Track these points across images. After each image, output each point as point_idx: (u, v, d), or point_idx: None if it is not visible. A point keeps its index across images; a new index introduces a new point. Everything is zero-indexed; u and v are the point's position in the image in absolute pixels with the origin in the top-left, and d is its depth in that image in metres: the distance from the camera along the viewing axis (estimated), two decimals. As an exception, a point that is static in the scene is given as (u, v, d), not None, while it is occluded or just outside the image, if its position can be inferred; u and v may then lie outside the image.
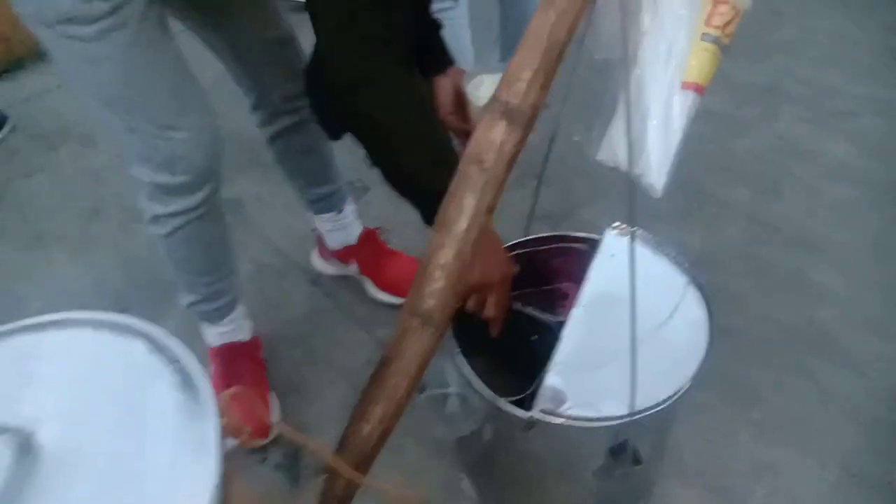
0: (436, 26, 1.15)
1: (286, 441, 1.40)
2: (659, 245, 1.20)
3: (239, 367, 1.38)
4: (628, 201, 0.80)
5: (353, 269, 1.63)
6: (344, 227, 1.57)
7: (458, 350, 1.09)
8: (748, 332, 1.53)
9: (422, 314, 0.85)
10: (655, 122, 0.74)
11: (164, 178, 1.08)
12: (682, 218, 1.79)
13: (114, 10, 0.91)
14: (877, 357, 1.47)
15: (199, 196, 1.12)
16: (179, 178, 1.08)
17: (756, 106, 2.17)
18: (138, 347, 0.79)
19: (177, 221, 1.15)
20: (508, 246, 1.24)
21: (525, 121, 0.75)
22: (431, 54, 1.14)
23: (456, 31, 1.88)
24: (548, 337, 1.14)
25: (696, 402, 1.39)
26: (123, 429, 0.70)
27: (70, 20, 0.90)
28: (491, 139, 0.77)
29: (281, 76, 1.26)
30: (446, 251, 0.82)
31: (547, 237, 1.26)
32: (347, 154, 1.98)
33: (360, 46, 0.85)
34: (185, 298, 1.31)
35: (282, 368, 1.51)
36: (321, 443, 1.28)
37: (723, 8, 0.74)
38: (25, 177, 2.01)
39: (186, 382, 0.76)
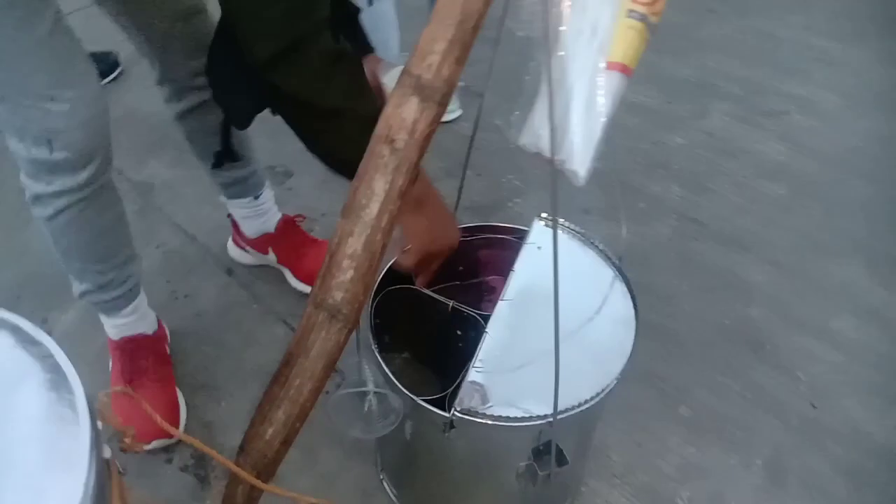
0: (352, 8, 1.07)
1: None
2: (587, 237, 1.15)
3: (141, 362, 1.28)
4: (551, 190, 0.74)
5: (270, 258, 1.54)
6: (261, 214, 1.48)
7: (376, 345, 1.03)
8: (678, 331, 1.51)
9: (329, 308, 0.77)
10: (578, 105, 0.68)
11: (42, 154, 0.96)
12: (612, 213, 1.76)
13: None
14: (806, 356, 1.46)
15: (83, 175, 1.01)
16: (58, 155, 0.97)
17: (688, 102, 2.16)
18: (4, 341, 0.71)
19: (60, 202, 1.04)
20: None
21: (439, 97, 0.68)
22: (346, 39, 1.06)
23: (381, 17, 1.78)
24: (472, 332, 1.08)
25: (625, 400, 1.36)
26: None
27: None
28: (402, 117, 0.69)
29: (188, 49, 1.17)
30: (355, 239, 0.75)
31: (473, 227, 1.19)
32: (266, 138, 1.88)
33: (281, 13, 0.78)
34: (77, 287, 1.19)
35: (190, 364, 1.41)
36: (219, 447, 1.20)
37: (653, -18, 0.68)
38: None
39: (58, 382, 0.68)
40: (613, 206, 1.77)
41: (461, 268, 1.23)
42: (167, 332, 1.42)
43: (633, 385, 1.39)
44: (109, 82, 2.04)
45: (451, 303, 1.10)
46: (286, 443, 0.84)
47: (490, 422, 0.91)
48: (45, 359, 0.71)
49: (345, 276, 0.76)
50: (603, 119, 0.69)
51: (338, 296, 0.76)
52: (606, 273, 1.11)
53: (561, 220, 1.16)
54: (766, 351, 1.47)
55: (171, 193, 1.76)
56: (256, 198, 1.44)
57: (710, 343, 1.49)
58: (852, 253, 1.69)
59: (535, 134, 0.75)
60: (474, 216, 1.73)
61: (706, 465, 1.28)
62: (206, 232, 1.67)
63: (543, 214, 1.17)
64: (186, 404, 1.34)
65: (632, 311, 1.05)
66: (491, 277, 1.25)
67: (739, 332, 1.51)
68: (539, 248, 1.13)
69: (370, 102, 0.86)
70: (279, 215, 1.51)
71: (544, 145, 0.73)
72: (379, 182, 0.72)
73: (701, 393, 1.39)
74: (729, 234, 1.73)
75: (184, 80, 1.21)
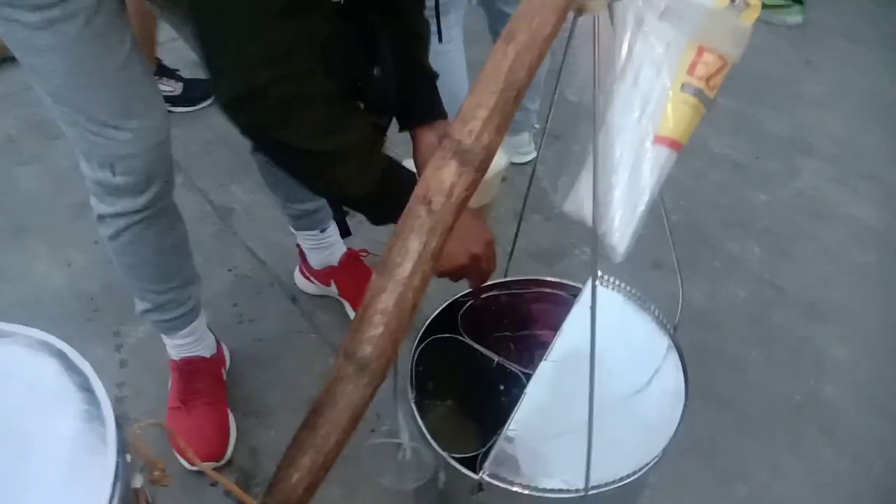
0: (429, 75, 1.08)
1: (238, 465, 1.33)
2: (643, 302, 1.11)
3: (197, 385, 1.32)
4: (591, 262, 0.72)
5: (332, 290, 1.57)
6: (326, 247, 1.50)
7: (414, 395, 1.02)
8: (744, 401, 1.43)
9: (358, 361, 0.78)
10: (623, 178, 0.66)
11: (105, 177, 1.03)
12: (687, 270, 1.70)
13: (61, 0, 0.86)
14: (881, 443, 1.36)
15: (142, 199, 1.06)
16: (120, 179, 1.02)
17: (779, 159, 2.07)
18: (49, 367, 0.74)
19: (121, 223, 1.09)
20: (486, 286, 1.16)
21: (477, 163, 0.68)
22: (418, 103, 1.07)
23: (450, 62, 1.74)
24: (515, 389, 1.06)
25: (678, 473, 1.30)
26: (8, 454, 0.65)
27: (11, 4, 0.85)
28: (441, 180, 0.69)
29: None
30: (387, 296, 0.74)
31: (526, 280, 1.18)
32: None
33: (248, 54, 0.77)
34: (139, 305, 1.25)
35: (245, 388, 1.45)
36: (264, 474, 1.21)
37: (708, 57, 0.65)
38: (20, 165, 1.98)
39: (92, 413, 0.71)
40: (687, 263, 1.72)
41: (511, 320, 1.21)
42: (226, 354, 1.46)
43: (688, 457, 1.32)
44: (205, 107, 2.14)
45: (495, 358, 1.09)
46: (310, 490, 0.84)
47: (518, 489, 0.88)
48: (85, 390, 0.73)
49: (375, 331, 0.76)
50: (647, 196, 0.66)
51: (367, 349, 0.77)
52: (660, 342, 1.06)
53: (617, 282, 1.13)
54: (837, 433, 1.38)
55: (249, 218, 1.82)
56: (323, 231, 1.47)
57: (776, 419, 1.40)
58: (946, 334, 1.57)
59: (579, 202, 0.74)
60: (538, 262, 1.71)
61: (759, 551, 1.20)
62: (276, 259, 1.71)
63: (600, 274, 1.13)
64: (237, 428, 1.37)
65: (682, 385, 1.00)
66: (542, 332, 1.22)
67: (811, 411, 1.42)
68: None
69: (342, 139, 0.85)
70: (344, 249, 1.53)
71: (587, 215, 0.71)
72: (413, 242, 0.72)
73: (761, 471, 1.31)
74: (808, 303, 1.64)
75: None
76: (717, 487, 1.29)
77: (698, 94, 0.66)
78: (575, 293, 1.14)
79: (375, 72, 0.99)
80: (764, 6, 2.42)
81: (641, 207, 0.67)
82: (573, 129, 0.74)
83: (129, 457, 0.75)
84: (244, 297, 1.64)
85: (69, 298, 1.63)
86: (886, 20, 2.76)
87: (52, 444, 0.66)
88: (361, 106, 0.99)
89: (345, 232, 1.44)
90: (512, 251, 1.16)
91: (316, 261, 1.53)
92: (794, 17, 2.64)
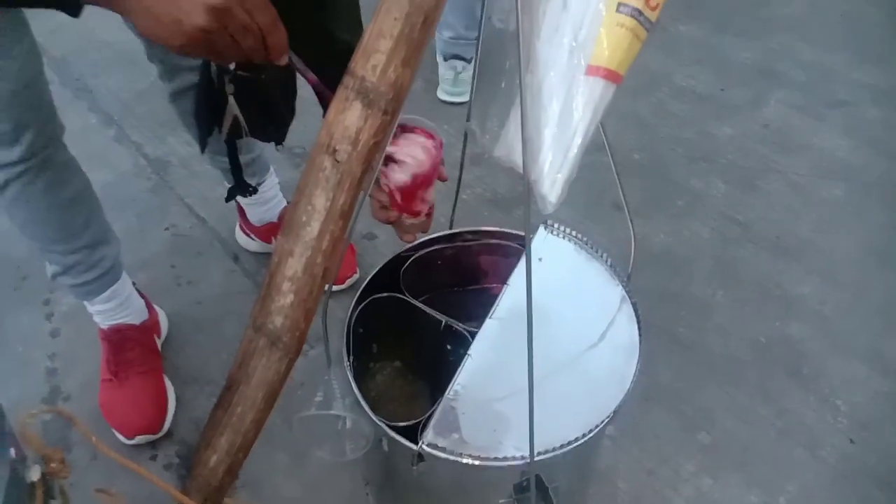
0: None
1: (180, 437, 1.26)
2: (595, 250, 1.03)
3: (127, 354, 1.23)
4: (524, 212, 0.64)
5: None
6: (264, 202, 1.41)
7: (351, 363, 0.94)
8: (709, 346, 1.38)
9: (269, 334, 0.69)
10: (553, 117, 0.57)
11: None
12: (647, 210, 1.63)
13: None
14: (850, 384, 1.32)
15: (17, 150, 0.97)
16: None
17: (744, 88, 1.98)
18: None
19: (0, 177, 1.00)
20: (426, 241, 1.08)
21: (384, 103, 0.58)
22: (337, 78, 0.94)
23: None
24: (462, 349, 0.99)
25: (640, 422, 1.25)
26: None
27: None
28: (345, 126, 0.60)
29: None
30: (295, 260, 0.66)
31: (472, 232, 1.09)
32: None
33: None
34: (48, 269, 1.16)
35: (184, 355, 1.37)
36: (188, 461, 1.14)
37: (649, -30, 0.56)
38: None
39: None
40: (649, 201, 1.65)
41: (458, 274, 1.13)
42: (162, 320, 1.37)
43: (650, 405, 1.28)
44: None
45: (439, 317, 1.01)
46: (230, 472, 0.77)
47: (459, 459, 0.82)
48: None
49: (285, 300, 0.67)
50: (579, 137, 0.58)
51: (277, 321, 0.68)
52: (614, 292, 0.99)
53: (565, 229, 1.05)
54: (803, 374, 1.33)
55: (187, 172, 1.71)
56: (259, 184, 1.37)
57: (741, 362, 1.35)
58: (916, 266, 1.52)
59: (509, 146, 0.65)
60: (496, 209, 1.63)
61: (722, 499, 1.16)
62: (217, 215, 1.61)
63: (549, 222, 1.05)
64: (178, 398, 1.29)
65: (636, 339, 0.94)
66: (493, 286, 1.14)
67: (776, 352, 1.37)
68: (540, 259, 1.02)
69: None
70: (284, 203, 1.44)
71: (518, 160, 0.62)
72: (320, 199, 0.63)
73: (725, 418, 1.27)
74: (775, 240, 1.58)
75: (169, 59, 1.13)
76: (681, 435, 1.24)
77: (637, 14, 0.57)
78: (524, 242, 1.06)
79: None
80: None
81: (574, 151, 0.59)
82: (500, 62, 0.65)
83: (13, 450, 0.68)
84: (183, 257, 1.54)
85: (-3, 268, 1.53)
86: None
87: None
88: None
89: (244, 191, 1.20)
90: (455, 205, 1.08)
91: (255, 217, 1.44)
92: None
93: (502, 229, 1.10)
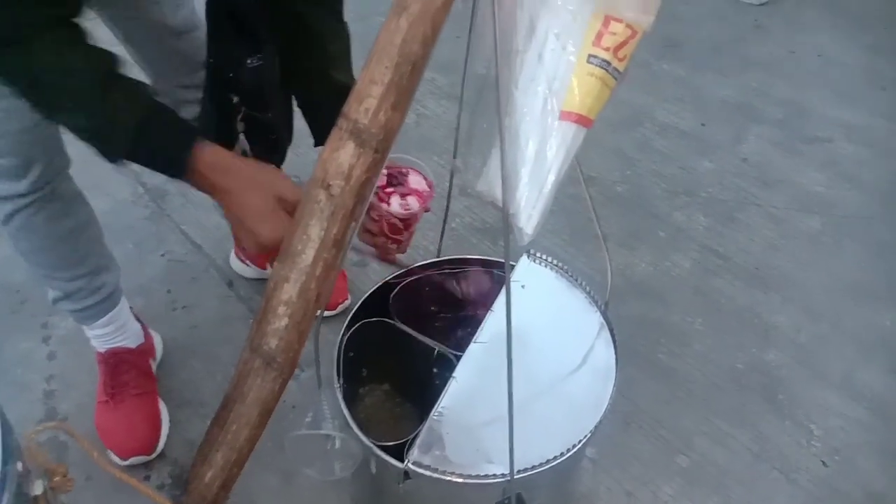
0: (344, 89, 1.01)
1: (173, 458, 1.29)
2: (575, 278, 1.09)
3: (123, 377, 1.27)
4: (504, 246, 0.69)
5: (269, 273, 1.52)
6: None
7: (341, 384, 0.99)
8: (688, 372, 1.43)
9: (264, 354, 0.74)
10: (529, 158, 0.63)
11: None
12: (629, 241, 1.69)
13: None
14: (825, 412, 1.36)
15: (24, 183, 1.01)
16: None
17: (724, 125, 2.06)
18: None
19: (8, 207, 1.04)
20: (415, 268, 1.13)
21: (375, 143, 0.64)
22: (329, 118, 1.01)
23: None
24: (448, 373, 1.03)
25: (620, 445, 1.29)
26: None
27: None
28: (339, 163, 0.65)
29: (175, 63, 1.15)
30: (290, 286, 0.71)
31: (458, 259, 1.15)
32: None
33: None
34: (49, 294, 1.19)
35: (179, 378, 1.40)
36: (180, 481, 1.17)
37: (616, 26, 0.62)
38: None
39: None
40: (632, 233, 1.71)
41: (444, 301, 1.18)
42: (157, 344, 1.41)
43: (631, 429, 1.32)
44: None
45: (426, 341, 1.06)
46: (225, 488, 0.82)
47: (443, 477, 0.86)
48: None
49: (280, 322, 0.72)
50: (553, 176, 0.63)
51: (272, 343, 0.73)
52: (592, 319, 1.04)
53: (547, 258, 1.10)
54: (779, 401, 1.38)
55: (183, 200, 1.76)
56: None
57: (719, 388, 1.40)
58: (889, 298, 1.58)
59: (490, 182, 0.70)
60: (484, 238, 1.68)
61: (700, 523, 1.20)
62: (212, 242, 1.66)
63: (532, 251, 1.11)
64: (171, 420, 1.33)
65: (613, 364, 0.98)
66: (477, 312, 1.19)
67: (753, 378, 1.42)
68: (523, 286, 1.07)
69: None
70: None
71: (498, 196, 0.68)
72: (314, 228, 0.68)
73: (703, 442, 1.31)
74: (753, 271, 1.63)
75: (173, 93, 1.19)
76: (660, 458, 1.28)
77: (605, 65, 0.63)
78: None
79: (249, 62, 0.96)
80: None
81: (547, 188, 0.64)
82: (482, 105, 0.71)
83: (20, 464, 0.71)
84: (178, 282, 1.58)
85: (-4, 290, 1.56)
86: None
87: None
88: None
89: None
90: (442, 235, 1.13)
91: None
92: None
93: (486, 257, 1.15)
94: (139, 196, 1.78)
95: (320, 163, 0.67)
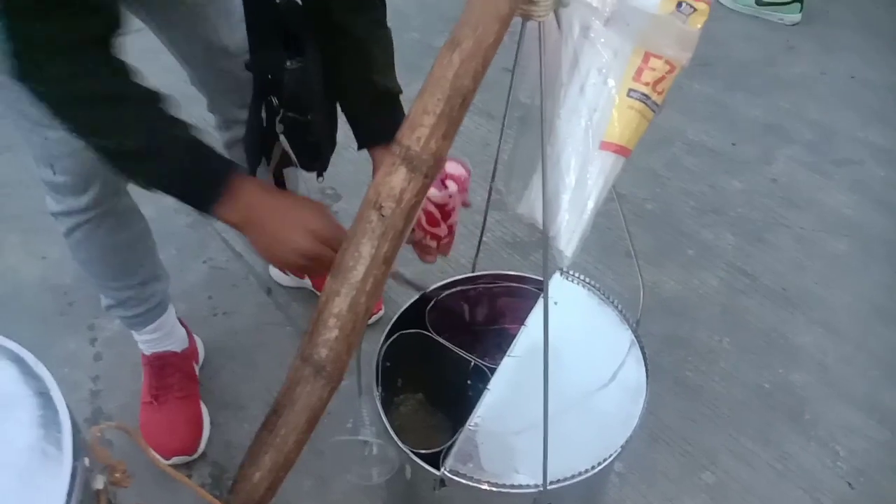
0: (386, 94, 1.03)
1: (213, 459, 1.34)
2: (607, 296, 1.12)
3: (168, 379, 1.32)
4: (543, 267, 0.73)
5: (308, 282, 1.57)
6: None
7: (380, 393, 1.03)
8: (714, 390, 1.45)
9: (314, 364, 0.78)
10: (570, 184, 0.67)
11: (47, 175, 1.03)
12: (657, 259, 1.71)
13: None
14: (849, 432, 1.38)
15: (84, 199, 1.06)
16: (60, 178, 1.03)
17: (754, 144, 2.08)
18: (6, 372, 0.75)
19: (70, 221, 1.10)
20: (451, 282, 1.17)
21: (426, 169, 0.68)
22: (372, 121, 1.02)
23: None
24: (481, 385, 1.07)
25: (649, 459, 1.32)
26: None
27: None
28: (391, 186, 0.70)
29: (229, 86, 1.19)
30: (341, 300, 0.75)
31: (493, 275, 1.18)
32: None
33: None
34: (102, 301, 1.25)
35: (219, 381, 1.45)
36: (237, 468, 1.23)
37: (655, 63, 0.66)
38: (-6, 154, 1.97)
39: (49, 418, 0.71)
40: (661, 251, 1.74)
41: (479, 314, 1.22)
42: (200, 348, 1.46)
43: (658, 445, 1.34)
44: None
45: (461, 353, 1.09)
46: (271, 489, 0.86)
47: (478, 485, 0.90)
48: (42, 395, 0.74)
49: (330, 334, 0.77)
50: (592, 202, 0.67)
51: (322, 353, 0.77)
52: (623, 336, 1.07)
53: (579, 276, 1.14)
54: (804, 420, 1.40)
55: (224, 209, 1.82)
56: None
57: (745, 406, 1.42)
58: (916, 321, 1.59)
59: (531, 205, 0.74)
60: (514, 252, 1.72)
61: (724, 538, 1.22)
62: (251, 250, 1.71)
63: (564, 268, 1.14)
64: (212, 421, 1.38)
65: (643, 381, 1.02)
66: (510, 326, 1.23)
67: (778, 397, 1.44)
68: (555, 303, 1.10)
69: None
70: None
71: (538, 218, 0.72)
72: (366, 246, 0.73)
73: (728, 459, 1.33)
74: (780, 291, 1.65)
75: (229, 112, 1.24)
76: (686, 475, 1.31)
77: (645, 99, 0.67)
78: (540, 286, 1.15)
79: (289, 64, 0.98)
80: (762, 4, 2.42)
81: (587, 214, 0.68)
82: (525, 132, 0.75)
83: (87, 460, 0.76)
84: (219, 289, 1.64)
85: (43, 292, 1.63)
86: (872, 6, 2.76)
87: (6, 451, 0.67)
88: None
89: None
90: (478, 251, 1.17)
91: None
92: (792, 15, 2.60)
93: (520, 273, 1.19)
94: (181, 204, 1.83)
95: (373, 185, 0.71)
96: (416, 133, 0.67)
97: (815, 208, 1.88)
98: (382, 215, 0.70)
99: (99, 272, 1.21)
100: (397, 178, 0.69)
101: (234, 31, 1.14)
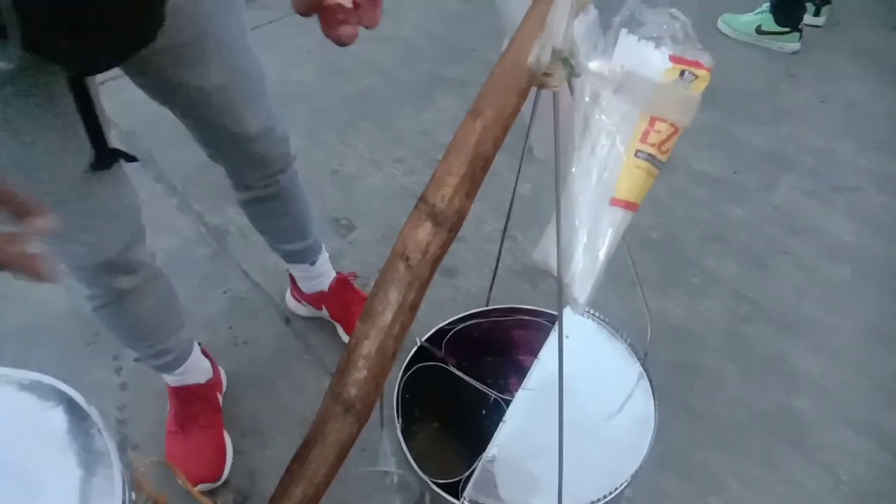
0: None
1: (236, 486, 1.39)
2: (615, 329, 1.17)
3: (193, 409, 1.38)
4: (557, 309, 0.78)
5: (324, 313, 1.63)
6: (315, 277, 1.56)
7: (400, 423, 1.08)
8: (718, 415, 1.50)
9: (344, 402, 0.84)
10: (583, 237, 0.73)
11: (69, 272, 1.05)
12: (663, 287, 1.76)
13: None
14: (851, 455, 1.43)
15: (110, 288, 1.09)
16: (82, 280, 1.06)
17: (756, 172, 2.13)
18: (58, 415, 0.80)
19: (93, 303, 1.13)
20: (466, 315, 1.22)
21: (450, 224, 0.74)
22: None
23: None
24: (496, 416, 1.12)
25: (655, 483, 1.36)
26: (19, 498, 0.71)
27: None
28: (417, 239, 0.75)
29: (247, 164, 1.22)
30: (370, 342, 0.81)
31: (506, 308, 1.24)
32: (337, 189, 1.99)
33: None
34: (131, 353, 1.31)
35: (240, 409, 1.51)
36: (259, 494, 1.28)
37: (660, 126, 0.72)
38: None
39: (100, 455, 0.77)
40: (666, 278, 1.79)
41: (493, 346, 1.28)
42: (223, 378, 1.52)
43: (664, 470, 1.39)
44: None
45: (478, 385, 1.15)
46: (302, 519, 0.91)
47: (497, 513, 0.95)
48: (91, 433, 0.79)
49: (360, 374, 0.82)
50: (604, 254, 0.73)
51: (352, 391, 0.83)
52: (632, 368, 1.13)
53: (589, 310, 1.19)
54: (807, 445, 1.44)
55: (244, 240, 1.88)
56: (312, 264, 1.53)
57: (750, 431, 1.47)
58: (915, 346, 1.64)
59: (546, 254, 0.80)
60: (524, 280, 1.77)
61: (731, 561, 1.27)
62: (270, 280, 1.77)
63: (578, 313, 1.19)
64: (234, 449, 1.43)
65: (652, 412, 1.07)
66: (523, 357, 1.28)
67: (782, 422, 1.49)
68: (567, 336, 1.15)
69: None
70: (333, 275, 1.59)
71: (553, 266, 0.77)
72: (394, 294, 0.78)
73: (734, 484, 1.38)
74: (783, 317, 1.70)
75: (248, 180, 1.26)
76: (692, 499, 1.35)
77: (651, 159, 0.73)
78: (551, 319, 1.20)
79: None
80: (762, 33, 2.49)
81: (599, 264, 0.73)
82: (540, 185, 0.80)
83: (133, 494, 0.81)
84: (239, 319, 1.69)
85: (70, 322, 1.68)
86: (869, 34, 2.82)
87: (61, 487, 0.73)
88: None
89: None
90: (492, 285, 1.22)
91: (307, 287, 1.59)
92: (792, 44, 2.66)
93: (533, 307, 1.24)
94: (202, 235, 1.90)
95: (401, 238, 0.77)
96: (441, 191, 0.73)
97: (816, 235, 1.93)
98: (409, 265, 0.76)
99: (125, 336, 1.25)
100: (423, 232, 0.75)
101: (257, 116, 1.13)
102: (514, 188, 0.98)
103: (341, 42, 0.75)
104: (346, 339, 1.61)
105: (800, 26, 2.64)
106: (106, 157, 0.95)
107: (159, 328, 1.26)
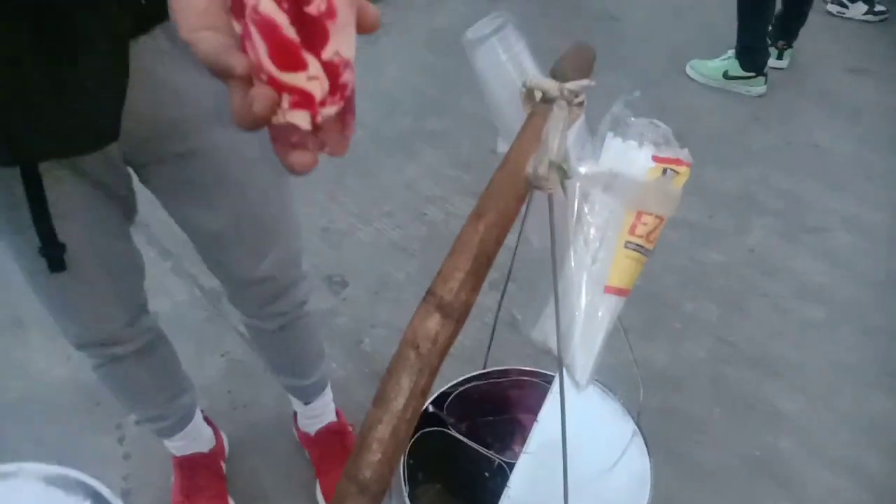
0: None
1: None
2: (608, 390, 1.23)
3: (198, 480, 1.40)
4: (559, 385, 0.84)
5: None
6: (311, 418, 1.51)
7: (407, 490, 1.12)
8: (702, 458, 1.56)
9: (359, 483, 0.88)
10: (580, 323, 0.79)
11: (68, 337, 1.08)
12: (649, 333, 1.83)
13: None
14: (834, 496, 1.49)
15: (109, 353, 1.11)
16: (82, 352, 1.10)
17: (730, 216, 2.22)
18: (86, 509, 0.83)
19: (93, 362, 1.15)
20: (465, 379, 1.28)
21: (457, 315, 0.79)
22: None
23: None
24: (499, 478, 1.17)
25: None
26: None
27: None
28: (426, 329, 0.81)
29: (256, 303, 1.20)
30: (384, 427, 0.85)
31: (502, 370, 1.29)
32: (328, 246, 2.02)
33: None
34: (132, 415, 1.33)
35: (243, 474, 1.53)
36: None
37: (646, 219, 0.79)
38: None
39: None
40: (649, 325, 1.86)
41: (491, 406, 1.33)
42: (226, 443, 1.55)
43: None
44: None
45: (479, 449, 1.20)
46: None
47: (505, 578, 0.99)
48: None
49: (374, 457, 0.87)
50: (601, 338, 0.79)
51: (367, 473, 0.87)
52: (626, 427, 1.18)
53: (583, 373, 1.25)
54: (792, 485, 1.51)
55: (237, 301, 1.92)
56: (306, 404, 1.48)
57: (737, 474, 1.53)
58: (887, 384, 1.71)
59: (545, 334, 0.86)
60: (514, 332, 1.82)
61: None
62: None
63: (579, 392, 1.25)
64: (239, 515, 1.46)
65: (648, 469, 1.12)
66: (521, 415, 1.34)
67: (767, 465, 1.55)
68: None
69: None
70: (332, 419, 1.53)
71: (552, 346, 0.83)
72: (405, 381, 0.83)
73: (724, 528, 1.43)
74: (761, 359, 1.78)
75: (251, 311, 1.26)
76: (684, 544, 1.41)
77: (639, 248, 0.79)
78: (548, 379, 1.26)
79: None
80: (729, 78, 2.60)
81: (597, 347, 0.80)
82: (538, 270, 0.87)
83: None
84: (238, 382, 1.73)
85: (70, 392, 1.70)
86: (829, 76, 2.96)
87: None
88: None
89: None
90: (489, 349, 1.28)
91: (301, 420, 1.55)
92: (758, 87, 2.78)
93: (529, 368, 1.30)
94: (196, 298, 1.94)
95: (410, 328, 0.82)
96: (449, 285, 0.79)
97: (789, 276, 2.02)
98: (420, 353, 0.81)
99: (126, 398, 1.26)
100: (432, 322, 0.80)
101: (257, 265, 1.10)
102: (510, 272, 1.04)
103: (293, 171, 0.51)
104: (318, 498, 1.49)
105: (765, 70, 2.76)
106: (58, 257, 0.89)
107: (159, 392, 1.26)
